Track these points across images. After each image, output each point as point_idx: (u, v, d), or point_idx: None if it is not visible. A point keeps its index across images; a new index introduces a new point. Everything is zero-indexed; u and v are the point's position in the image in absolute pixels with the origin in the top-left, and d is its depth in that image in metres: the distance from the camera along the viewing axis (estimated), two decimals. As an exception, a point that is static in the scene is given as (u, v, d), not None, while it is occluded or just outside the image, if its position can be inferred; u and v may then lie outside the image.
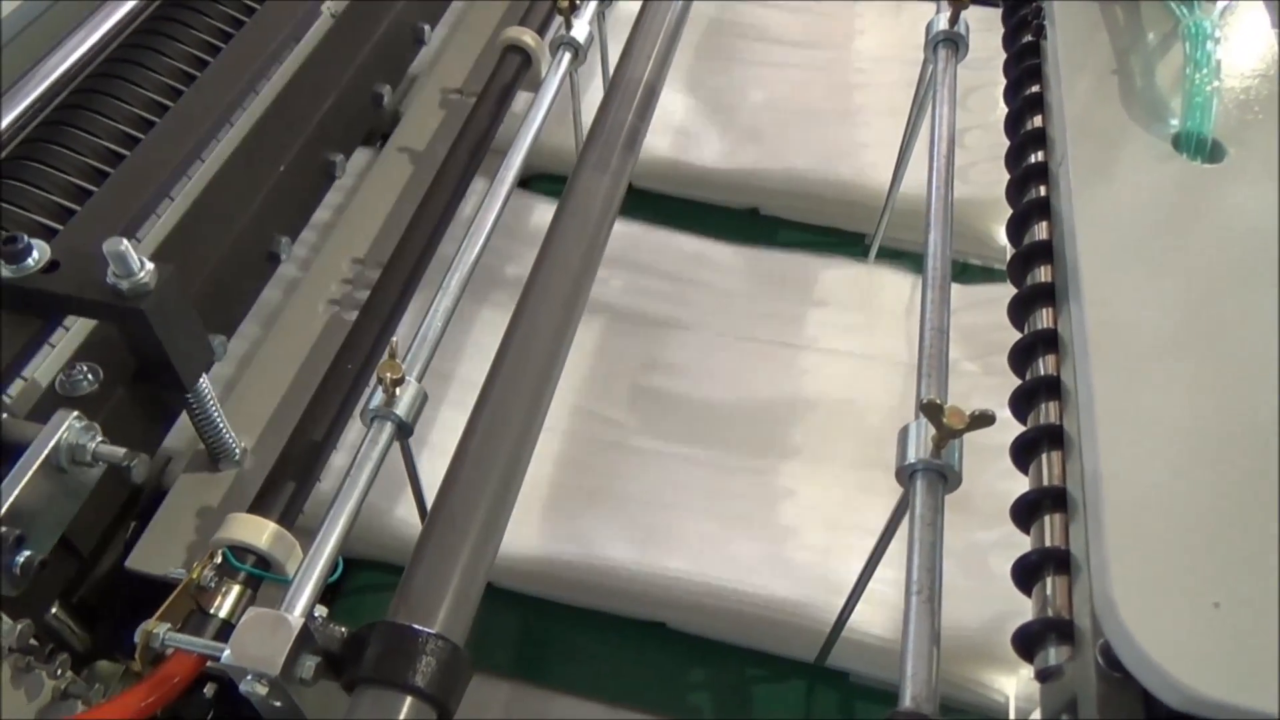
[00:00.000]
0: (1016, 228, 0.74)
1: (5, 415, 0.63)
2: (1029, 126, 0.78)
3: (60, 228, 0.77)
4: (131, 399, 0.70)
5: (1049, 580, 0.54)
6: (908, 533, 0.54)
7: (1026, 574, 0.55)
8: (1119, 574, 0.43)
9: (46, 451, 0.59)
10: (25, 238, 0.63)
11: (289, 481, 0.71)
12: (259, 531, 0.65)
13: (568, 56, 0.96)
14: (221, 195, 0.85)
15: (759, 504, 0.89)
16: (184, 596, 0.61)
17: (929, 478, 0.55)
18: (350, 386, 0.78)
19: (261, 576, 0.65)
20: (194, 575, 0.61)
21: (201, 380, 0.72)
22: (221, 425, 0.77)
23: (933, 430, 0.55)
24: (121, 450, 0.62)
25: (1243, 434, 0.49)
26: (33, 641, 0.63)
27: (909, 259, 1.11)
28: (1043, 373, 0.63)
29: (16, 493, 0.57)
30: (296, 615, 0.55)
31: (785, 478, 0.91)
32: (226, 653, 0.53)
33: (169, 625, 0.58)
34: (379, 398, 0.65)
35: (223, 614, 0.63)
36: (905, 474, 0.56)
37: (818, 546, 0.86)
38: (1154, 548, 0.45)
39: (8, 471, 0.59)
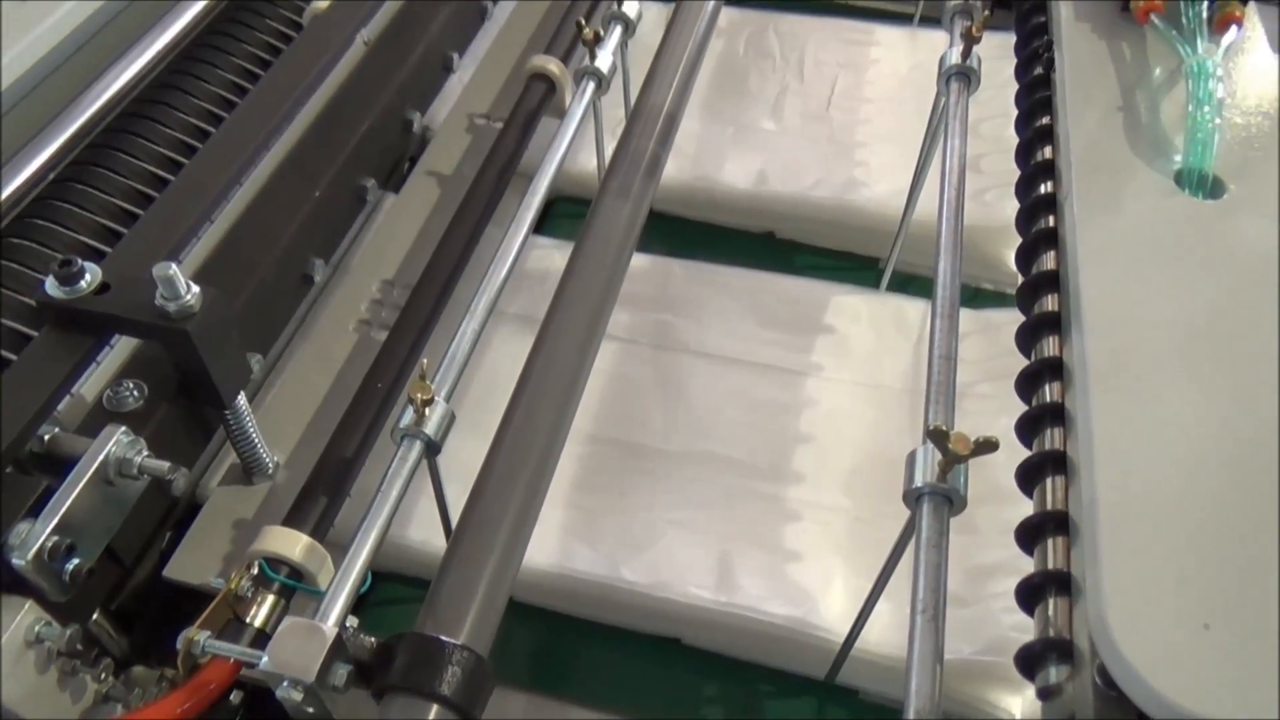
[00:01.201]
0: (1025, 257, 0.76)
1: (57, 430, 0.67)
2: (1039, 158, 0.80)
3: (106, 249, 0.81)
4: (174, 414, 0.74)
5: (1051, 601, 0.56)
6: (913, 554, 0.56)
7: (1029, 595, 0.57)
8: (1113, 596, 0.46)
9: (96, 465, 0.63)
10: (79, 261, 0.67)
11: (321, 496, 0.74)
12: (293, 544, 0.68)
13: (591, 86, 0.99)
14: (259, 219, 0.88)
15: (770, 525, 0.91)
16: (223, 605, 0.64)
17: (935, 501, 0.58)
18: (380, 405, 0.81)
19: (295, 587, 0.68)
20: (232, 585, 0.64)
21: (239, 397, 0.76)
22: (256, 440, 0.81)
23: (939, 455, 0.57)
24: (165, 464, 0.66)
25: (1235, 463, 0.51)
26: (78, 646, 0.66)
27: (922, 283, 1.13)
28: (1048, 399, 0.65)
29: (69, 504, 0.61)
30: (330, 625, 0.58)
31: (794, 500, 0.93)
32: (265, 659, 0.55)
33: (209, 633, 0.61)
34: (409, 417, 0.68)
35: (258, 623, 0.65)
36: (912, 497, 0.59)
37: (827, 567, 0.88)
38: (1147, 571, 0.47)
39: (60, 484, 0.62)
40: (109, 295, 0.67)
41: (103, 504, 0.64)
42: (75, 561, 0.62)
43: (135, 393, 0.72)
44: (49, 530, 0.60)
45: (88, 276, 0.67)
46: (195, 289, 0.66)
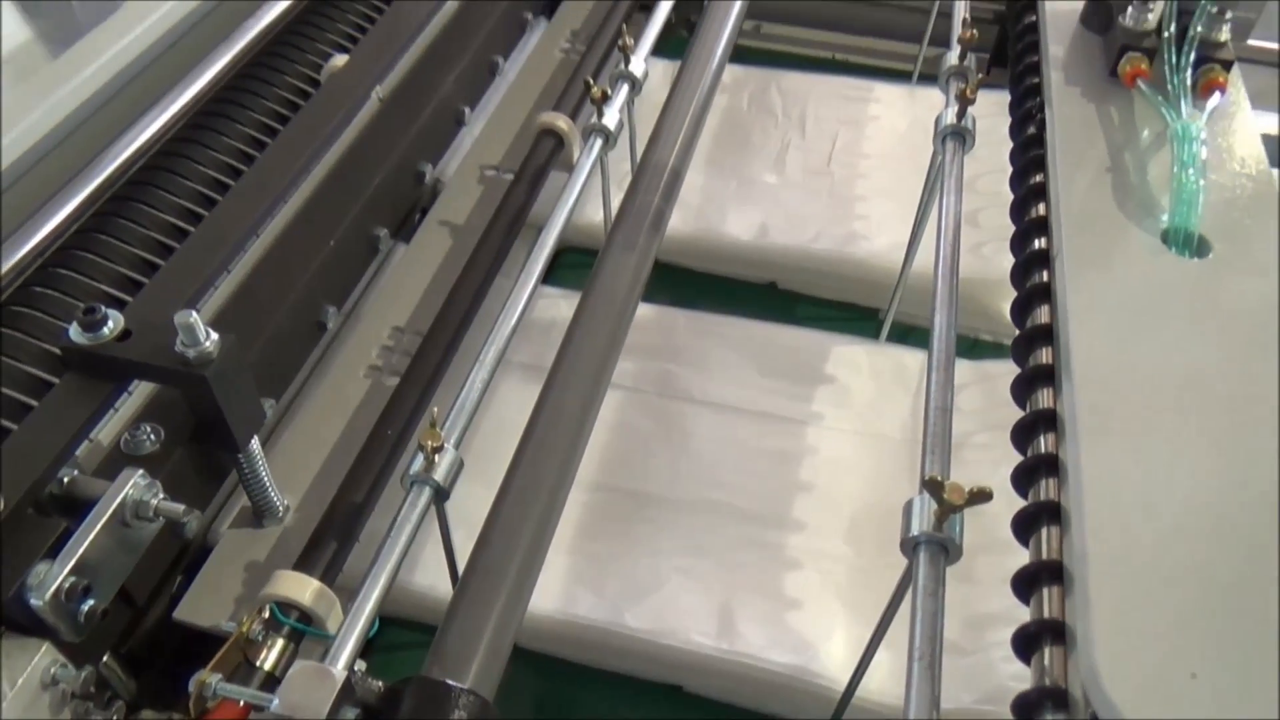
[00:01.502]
0: (1020, 311, 0.78)
1: (76, 472, 0.68)
2: (1032, 214, 0.83)
3: (126, 298, 0.84)
4: (188, 458, 0.75)
5: (1046, 650, 0.57)
6: (910, 602, 0.58)
7: (1026, 644, 0.58)
8: (1103, 645, 0.47)
9: (114, 507, 0.64)
10: (102, 308, 0.69)
11: (331, 541, 0.75)
12: (304, 589, 0.69)
13: (599, 142, 1.02)
14: (275, 267, 0.91)
15: (771, 573, 0.92)
16: (234, 649, 0.65)
17: (931, 550, 0.59)
18: (390, 452, 0.82)
19: (305, 631, 0.69)
20: (243, 629, 0.65)
21: (253, 441, 0.77)
22: (268, 483, 0.82)
23: (935, 505, 0.59)
24: (180, 506, 0.67)
25: (1222, 514, 0.52)
26: (91, 689, 0.67)
27: (922, 334, 1.15)
28: (1043, 450, 0.66)
29: (86, 545, 0.62)
30: (339, 669, 0.59)
31: (795, 548, 0.94)
32: (275, 702, 0.56)
33: (220, 675, 0.62)
34: (419, 463, 0.70)
35: (267, 666, 0.66)
36: (909, 546, 0.60)
37: (828, 615, 0.89)
38: (1135, 620, 0.48)
39: (78, 525, 0.64)
40: (131, 341, 0.69)
41: (119, 545, 0.66)
42: (90, 602, 0.63)
43: (152, 436, 0.74)
44: (66, 571, 0.61)
45: (110, 323, 0.69)
46: (214, 335, 0.68)
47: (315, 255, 0.95)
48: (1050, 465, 0.65)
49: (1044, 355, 0.72)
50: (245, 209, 0.87)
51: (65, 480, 0.68)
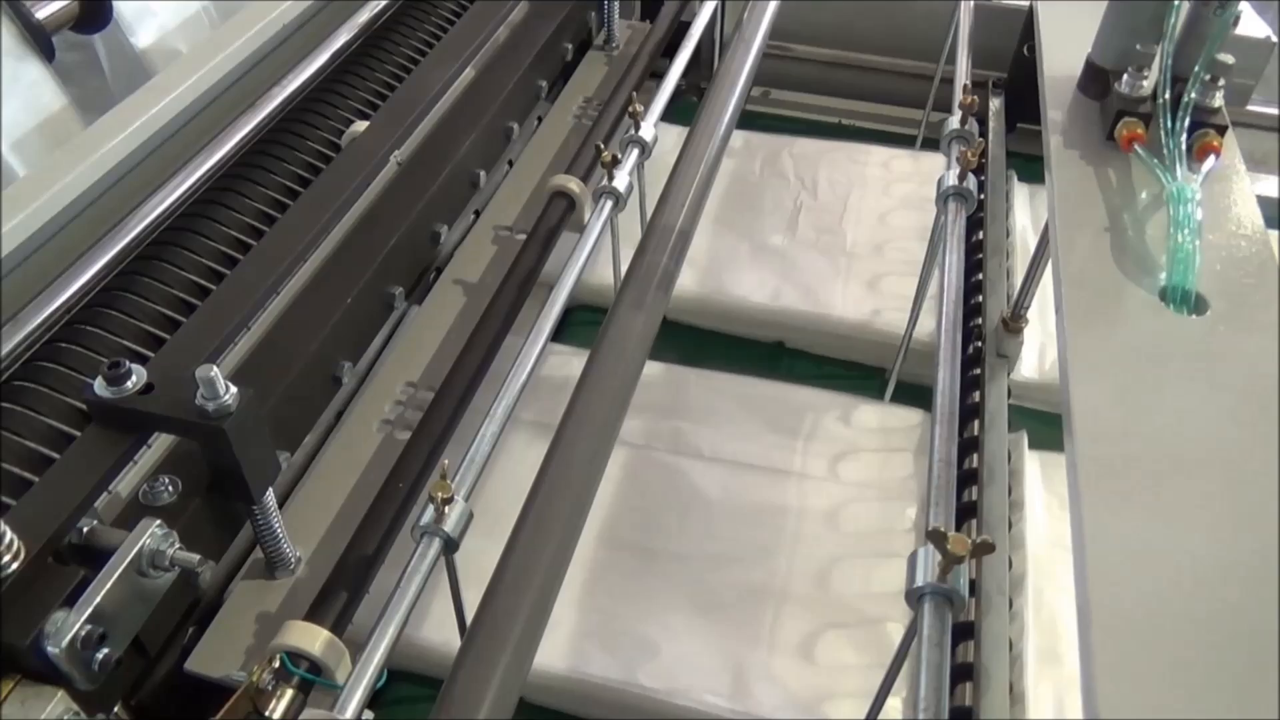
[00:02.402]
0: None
1: (95, 523, 0.70)
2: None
3: (148, 354, 0.86)
4: (204, 510, 0.77)
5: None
6: (915, 654, 0.58)
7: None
8: (1105, 694, 0.47)
9: (131, 556, 0.66)
10: (126, 363, 0.71)
11: (342, 592, 0.76)
12: (314, 639, 0.70)
13: (609, 204, 1.05)
14: (293, 324, 0.93)
15: (779, 629, 0.93)
16: (244, 699, 0.65)
17: (936, 601, 0.59)
18: (401, 504, 0.83)
19: (314, 681, 0.69)
20: (254, 678, 0.66)
21: (267, 493, 0.79)
22: (281, 535, 0.83)
23: (939, 556, 0.59)
24: (196, 556, 0.68)
25: (1221, 569, 0.53)
26: (101, 737, 0.67)
27: (926, 392, 1.16)
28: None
29: (103, 594, 0.63)
30: (347, 718, 0.60)
31: (805, 604, 0.94)
32: (283, 750, 0.57)
33: (229, 724, 0.63)
34: (429, 514, 0.71)
35: (276, 716, 0.67)
36: (914, 598, 0.60)
37: (839, 670, 0.89)
38: (1135, 669, 0.48)
39: (95, 574, 0.65)
40: (153, 395, 0.71)
41: (135, 594, 0.67)
42: (106, 650, 0.64)
43: (170, 488, 0.76)
44: (84, 619, 0.62)
45: (134, 378, 0.71)
46: (233, 389, 0.70)
47: (332, 312, 0.97)
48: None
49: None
50: (266, 267, 0.90)
51: (85, 530, 0.69)
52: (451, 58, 1.21)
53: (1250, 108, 1.50)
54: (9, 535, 0.62)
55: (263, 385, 0.87)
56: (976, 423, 1.04)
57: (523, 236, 1.13)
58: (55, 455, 0.75)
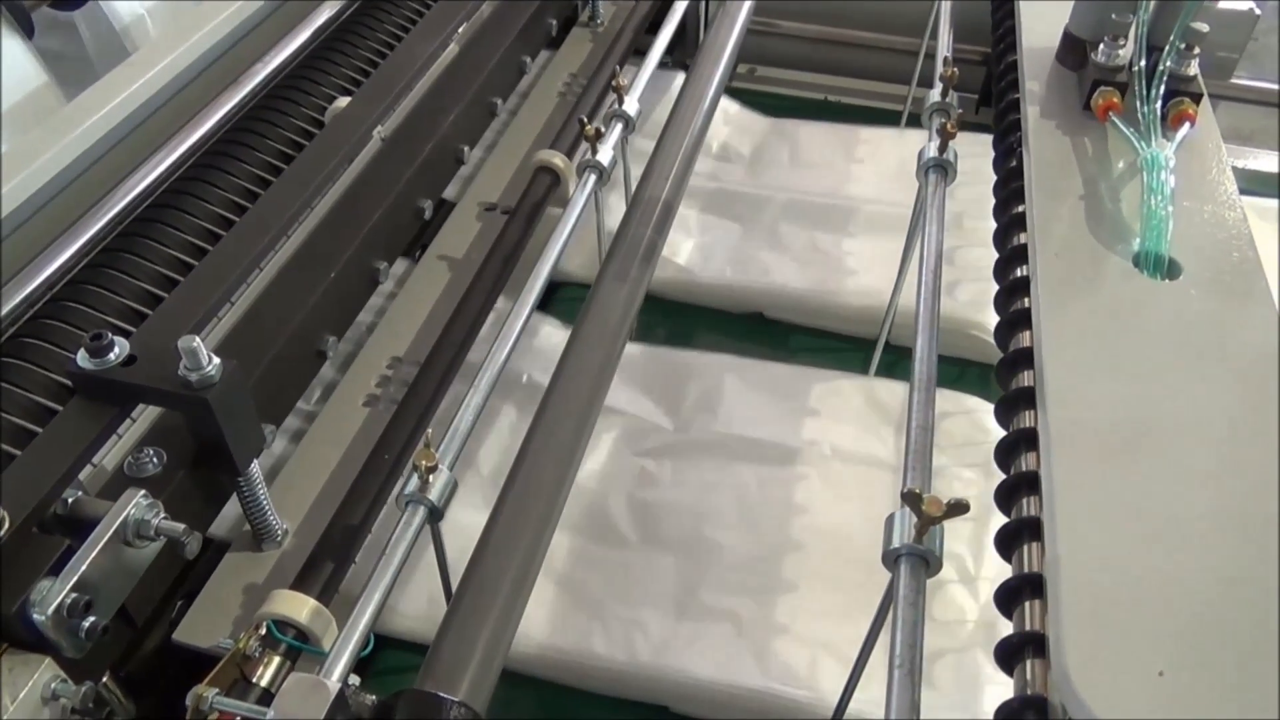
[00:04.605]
0: (1003, 335, 0.80)
1: (80, 493, 0.70)
2: (1014, 243, 0.85)
3: (132, 330, 0.86)
4: (190, 481, 0.77)
5: (1028, 662, 0.58)
6: (892, 613, 0.59)
7: (1008, 655, 0.60)
8: (1073, 645, 0.48)
9: (116, 526, 0.66)
10: (109, 335, 0.72)
11: (328, 562, 0.77)
12: (300, 607, 0.71)
13: (593, 178, 1.05)
14: (278, 298, 0.93)
15: (760, 602, 0.94)
16: (231, 664, 0.66)
17: (912, 562, 0.60)
18: (386, 475, 0.84)
19: (300, 648, 0.70)
20: (241, 645, 0.67)
21: (253, 465, 0.79)
22: (267, 507, 0.84)
23: (915, 518, 0.60)
24: (181, 526, 0.69)
25: (1185, 522, 0.54)
26: (90, 704, 0.68)
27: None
28: (1024, 469, 0.68)
29: (89, 562, 0.64)
30: (333, 681, 0.60)
31: (788, 576, 0.96)
32: (270, 713, 0.58)
33: (217, 690, 0.63)
34: (414, 484, 0.71)
35: (263, 682, 0.68)
36: (890, 559, 0.61)
37: (821, 639, 0.90)
38: (1104, 621, 0.49)
39: (80, 544, 0.65)
40: (136, 366, 0.71)
41: (120, 564, 0.67)
42: (92, 619, 0.65)
43: (155, 460, 0.76)
44: (69, 588, 0.63)
45: (116, 349, 0.72)
46: (216, 360, 0.71)
47: (317, 287, 0.98)
48: (1031, 483, 0.66)
49: (1026, 377, 0.74)
50: (250, 242, 0.90)
51: (70, 501, 0.70)
52: (435, 33, 1.21)
53: (1240, 81, 1.51)
54: (-7, 505, 0.63)
55: (247, 358, 0.87)
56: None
57: (507, 214, 1.14)
58: (39, 429, 0.75)
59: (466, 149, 1.29)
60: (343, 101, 1.10)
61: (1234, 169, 0.81)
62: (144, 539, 0.68)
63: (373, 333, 1.12)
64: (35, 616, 0.62)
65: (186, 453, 0.77)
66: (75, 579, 0.63)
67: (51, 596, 0.62)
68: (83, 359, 0.71)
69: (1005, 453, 0.71)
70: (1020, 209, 0.87)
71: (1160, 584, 0.51)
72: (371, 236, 1.06)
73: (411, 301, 1.14)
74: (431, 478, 0.71)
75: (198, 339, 0.69)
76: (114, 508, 0.67)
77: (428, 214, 1.21)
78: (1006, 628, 0.60)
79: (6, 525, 0.63)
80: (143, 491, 0.68)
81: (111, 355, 0.71)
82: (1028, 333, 0.77)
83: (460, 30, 1.26)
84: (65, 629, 0.63)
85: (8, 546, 0.63)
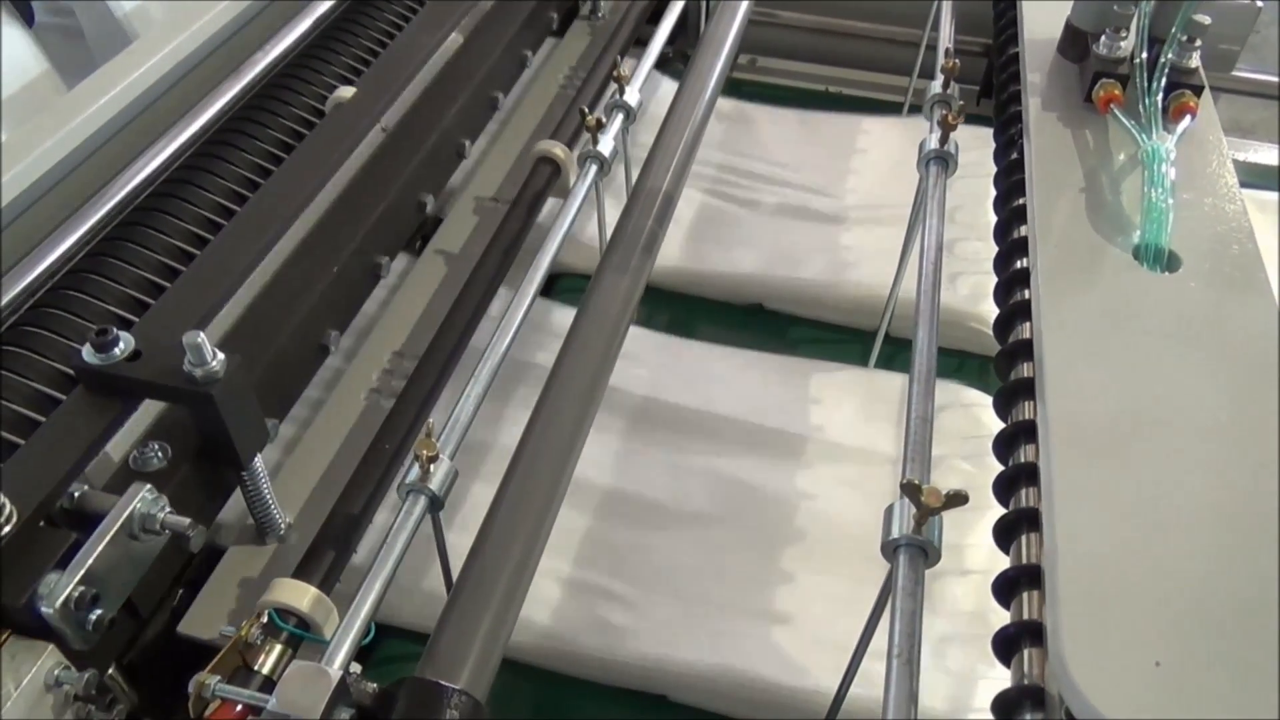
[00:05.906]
0: (1002, 327, 0.81)
1: (86, 487, 0.71)
2: (1015, 235, 0.85)
3: (133, 319, 0.86)
4: (194, 475, 0.77)
5: (1026, 652, 0.59)
6: (890, 603, 0.59)
7: (1006, 645, 0.60)
8: (1070, 636, 0.49)
9: (122, 520, 0.66)
10: (114, 330, 0.72)
11: (329, 551, 0.77)
12: (301, 595, 0.71)
13: (594, 168, 1.06)
14: (280, 292, 0.94)
15: (762, 590, 0.94)
16: (233, 652, 0.67)
17: (911, 552, 0.61)
18: (387, 465, 0.85)
19: (302, 637, 0.71)
20: (242, 633, 0.67)
21: (256, 459, 0.80)
22: (270, 501, 0.84)
23: (914, 509, 0.61)
24: (186, 520, 0.69)
25: (1184, 513, 0.54)
26: (94, 691, 0.68)
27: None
28: (1023, 460, 0.68)
29: (95, 556, 0.64)
30: (335, 669, 0.61)
31: (786, 566, 0.96)
32: (272, 701, 0.58)
33: (219, 677, 0.64)
34: (414, 473, 0.72)
35: (265, 670, 0.68)
36: (889, 549, 0.62)
37: (816, 630, 0.91)
38: (1101, 612, 0.50)
39: (87, 537, 0.66)
40: (140, 361, 0.72)
41: (126, 557, 0.68)
42: (98, 611, 0.65)
43: (160, 454, 0.76)
44: (76, 581, 0.63)
45: (121, 344, 0.72)
46: (220, 355, 0.71)
47: (319, 281, 0.98)
48: (1030, 474, 0.67)
49: (1026, 369, 0.74)
50: (251, 233, 0.90)
51: (76, 495, 0.70)
52: (437, 23, 1.21)
53: (1242, 74, 1.51)
54: (1, 499, 0.63)
55: (250, 353, 0.87)
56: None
57: (508, 206, 1.14)
58: (41, 419, 0.75)
59: (468, 143, 1.29)
60: (344, 90, 1.10)
61: (1234, 162, 0.82)
62: (150, 533, 0.68)
63: (375, 326, 1.12)
64: (43, 609, 0.62)
65: (191, 447, 0.77)
66: (82, 572, 0.64)
67: (59, 589, 0.63)
68: (88, 354, 0.72)
69: (1005, 444, 0.71)
70: (1020, 201, 0.87)
71: (1159, 575, 0.52)
72: (374, 230, 1.06)
73: (413, 294, 1.15)
74: (432, 467, 0.72)
75: (202, 335, 0.69)
76: (120, 502, 0.67)
77: (429, 208, 1.21)
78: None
79: (15, 519, 0.63)
80: (148, 486, 0.69)
81: (117, 350, 0.72)
82: (1027, 324, 0.77)
83: (463, 21, 1.25)
84: (73, 621, 0.64)
85: (16, 540, 0.63)
